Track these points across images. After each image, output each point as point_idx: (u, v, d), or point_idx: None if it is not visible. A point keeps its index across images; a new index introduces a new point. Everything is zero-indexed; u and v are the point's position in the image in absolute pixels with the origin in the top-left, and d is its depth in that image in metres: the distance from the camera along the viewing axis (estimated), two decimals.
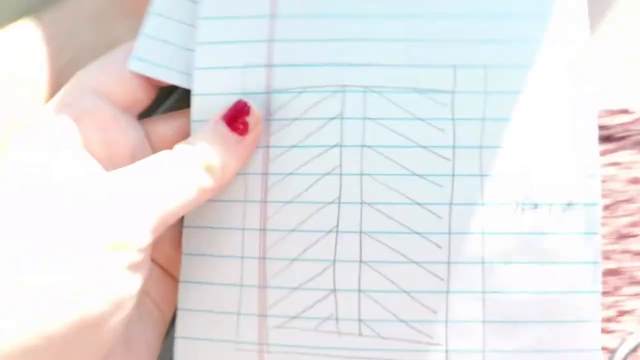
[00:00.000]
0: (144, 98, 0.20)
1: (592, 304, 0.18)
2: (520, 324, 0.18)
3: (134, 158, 0.18)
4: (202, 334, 0.19)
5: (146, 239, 0.16)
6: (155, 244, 0.17)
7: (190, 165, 0.17)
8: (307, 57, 0.19)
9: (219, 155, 0.17)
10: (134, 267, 0.15)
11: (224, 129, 0.18)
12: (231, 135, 0.18)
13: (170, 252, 0.20)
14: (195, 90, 0.19)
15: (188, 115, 0.20)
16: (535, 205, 0.18)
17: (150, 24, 0.20)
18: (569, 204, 0.18)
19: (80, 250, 0.15)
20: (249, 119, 0.18)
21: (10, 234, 0.15)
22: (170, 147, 0.18)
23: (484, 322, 0.18)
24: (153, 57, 0.19)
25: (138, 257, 0.15)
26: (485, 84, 0.19)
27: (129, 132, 0.19)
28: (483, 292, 0.18)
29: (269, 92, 0.19)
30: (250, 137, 0.18)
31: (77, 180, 0.16)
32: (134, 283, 0.16)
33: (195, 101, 0.19)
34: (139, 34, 0.19)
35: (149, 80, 0.19)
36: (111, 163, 0.18)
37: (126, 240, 0.15)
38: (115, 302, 0.15)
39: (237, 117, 0.18)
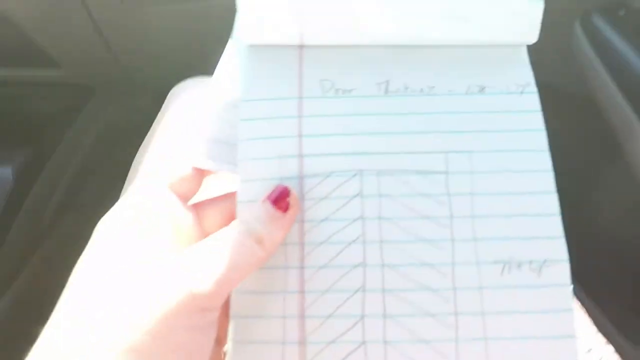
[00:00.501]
0: (196, 188, 0.24)
1: (571, 348, 0.21)
2: None
3: (190, 239, 0.22)
4: None
5: (219, 301, 0.20)
6: None
7: (246, 240, 0.21)
8: (330, 148, 0.24)
9: (268, 229, 0.21)
10: (212, 325, 0.20)
11: (271, 207, 0.22)
12: (276, 212, 0.22)
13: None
14: (242, 177, 0.23)
15: (230, 200, 0.24)
16: (519, 264, 0.22)
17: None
18: (545, 261, 0.22)
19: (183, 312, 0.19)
20: (290, 199, 0.22)
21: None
22: (218, 227, 0.22)
23: None
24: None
25: (213, 316, 0.20)
26: (471, 165, 0.23)
27: (188, 218, 0.23)
28: (485, 339, 0.21)
29: (301, 177, 0.23)
30: (290, 213, 0.22)
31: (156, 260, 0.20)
32: (211, 338, 0.20)
33: (242, 186, 0.23)
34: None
35: (201, 172, 0.24)
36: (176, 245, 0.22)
37: (210, 304, 0.19)
38: (198, 354, 0.19)
39: (281, 198, 0.22)
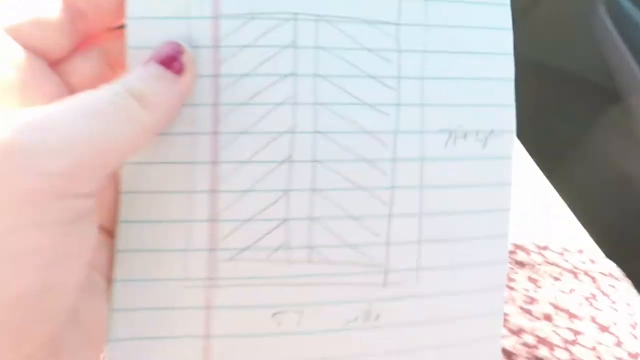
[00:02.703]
0: (65, 44, 0.17)
1: (504, 221, 0.20)
2: (448, 242, 0.20)
3: None
4: (144, 275, 0.18)
5: (88, 183, 0.14)
6: (98, 204, 0.15)
7: (124, 100, 0.15)
8: None
9: (153, 88, 0.16)
10: (83, 217, 0.14)
11: (159, 68, 0.16)
12: (165, 72, 0.16)
13: (114, 213, 0.18)
14: (132, 13, 0.17)
15: (108, 52, 0.18)
16: (465, 134, 0.20)
17: None
18: (491, 132, 0.20)
19: (25, 202, 0.13)
20: (184, 59, 0.17)
21: None
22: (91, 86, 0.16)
23: (419, 242, 0.20)
24: None
25: (85, 205, 0.14)
26: (427, 17, 0.19)
27: (47, 81, 0.17)
28: (420, 215, 0.20)
29: (216, 17, 0.18)
30: (185, 77, 0.17)
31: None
32: (87, 236, 0.14)
33: (131, 25, 0.17)
34: None
35: (72, 22, 0.17)
36: None
37: (71, 188, 0.14)
38: (68, 255, 0.14)
39: (170, 58, 0.16)
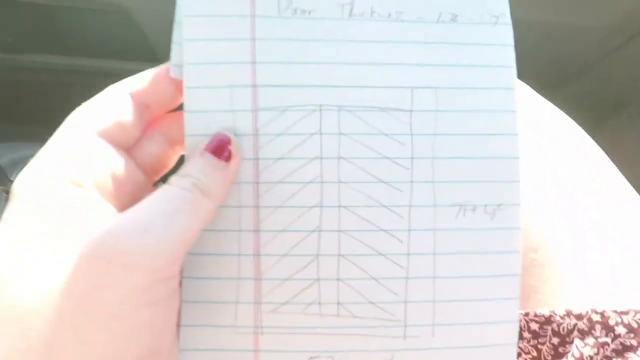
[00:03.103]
0: (135, 133, 0.21)
1: (513, 285, 0.22)
2: (461, 302, 0.22)
3: (134, 190, 0.20)
4: (204, 322, 0.22)
5: (176, 268, 0.18)
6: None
7: (192, 195, 0.19)
8: (288, 78, 0.22)
9: (212, 180, 0.20)
10: (175, 292, 0.19)
11: (212, 157, 0.20)
12: (218, 162, 0.20)
13: None
14: (187, 107, 0.21)
15: (168, 134, 0.22)
16: (474, 207, 0.22)
17: (178, 33, 0.22)
18: (499, 205, 0.22)
19: (141, 289, 0.17)
20: (231, 147, 0.21)
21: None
22: (158, 165, 0.20)
23: (434, 301, 0.22)
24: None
25: (176, 282, 0.18)
26: (437, 103, 0.22)
27: (127, 167, 0.21)
28: (434, 278, 0.22)
29: (255, 110, 0.22)
30: (233, 162, 0.21)
31: (100, 229, 0.17)
32: (177, 305, 0.19)
33: (188, 118, 0.21)
34: (172, 43, 0.22)
35: (140, 116, 0.21)
36: (117, 199, 0.20)
37: (167, 273, 0.18)
38: (169, 323, 0.18)
39: (220, 147, 0.20)
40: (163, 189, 0.19)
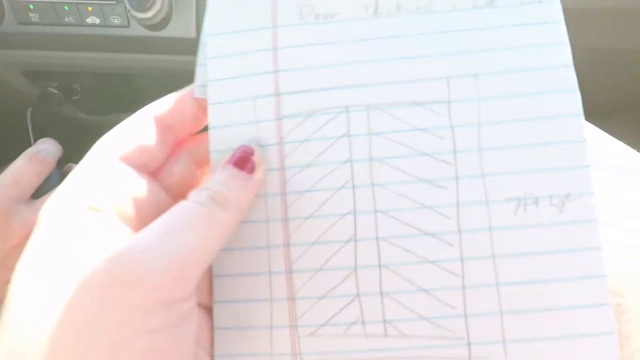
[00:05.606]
0: (161, 155, 0.21)
1: (599, 289, 0.19)
2: (535, 312, 0.19)
3: (159, 213, 0.19)
4: (238, 350, 0.20)
5: (188, 288, 0.17)
6: (201, 287, 0.18)
7: (206, 209, 0.18)
8: (311, 83, 0.21)
9: (231, 190, 0.19)
10: (186, 318, 0.17)
11: (234, 169, 0.19)
12: (240, 173, 0.19)
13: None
14: (212, 123, 0.21)
15: (194, 154, 0.22)
16: (536, 200, 0.19)
17: (202, 54, 0.22)
18: (568, 195, 0.19)
19: (139, 315, 0.16)
20: (255, 159, 0.20)
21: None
22: (185, 186, 0.20)
23: (501, 313, 0.19)
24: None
25: (186, 306, 0.17)
26: (478, 91, 0.20)
27: (150, 190, 0.20)
28: (497, 285, 0.19)
29: (279, 119, 0.21)
30: (257, 174, 0.20)
31: (116, 248, 0.16)
32: (190, 333, 0.17)
33: (212, 134, 0.21)
34: (197, 65, 0.22)
35: (165, 139, 0.21)
36: (140, 223, 0.19)
37: (174, 295, 0.16)
38: (175, 352, 0.16)
39: (244, 159, 0.19)
40: (178, 204, 0.18)
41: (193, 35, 0.39)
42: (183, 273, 0.17)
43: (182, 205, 0.18)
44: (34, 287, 0.16)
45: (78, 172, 0.19)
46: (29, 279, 0.16)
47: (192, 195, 0.18)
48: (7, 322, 0.16)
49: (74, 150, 0.42)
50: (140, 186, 0.20)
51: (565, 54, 0.20)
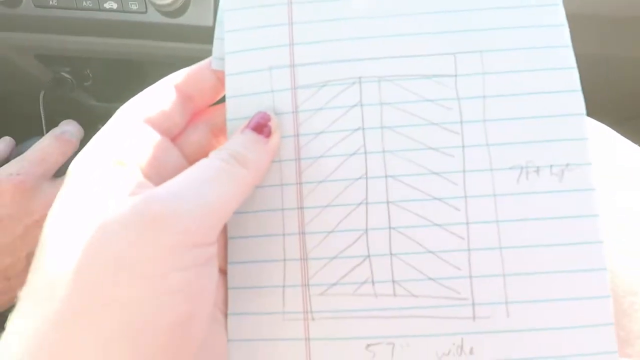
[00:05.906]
0: (181, 122, 0.22)
1: (596, 254, 0.20)
2: (536, 274, 0.20)
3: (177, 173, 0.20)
4: (251, 309, 0.21)
5: (213, 234, 0.18)
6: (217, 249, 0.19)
7: (230, 166, 0.19)
8: (325, 55, 0.22)
9: (251, 152, 0.20)
10: (210, 260, 0.18)
11: (252, 133, 0.20)
12: (258, 137, 0.20)
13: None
14: (229, 93, 0.22)
15: (210, 122, 0.23)
16: (538, 169, 0.20)
17: (220, 29, 0.23)
18: (567, 165, 0.20)
19: (172, 253, 0.17)
20: (271, 124, 0.21)
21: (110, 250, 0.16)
22: (201, 154, 0.20)
23: (504, 275, 0.20)
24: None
25: (210, 250, 0.18)
26: (483, 66, 0.21)
27: (171, 153, 0.21)
28: (500, 248, 0.20)
29: (294, 89, 0.22)
30: (273, 138, 0.21)
31: (136, 201, 0.17)
32: (213, 275, 0.18)
33: (229, 103, 0.22)
34: (214, 39, 0.23)
35: (184, 107, 0.22)
36: (158, 182, 0.20)
37: (201, 239, 0.18)
38: (202, 291, 0.18)
39: (261, 124, 0.21)
40: (201, 161, 0.19)
41: (210, 23, 0.40)
42: (209, 219, 0.18)
43: (205, 161, 0.19)
44: (65, 228, 0.17)
45: (105, 131, 0.20)
46: (61, 221, 0.17)
47: (213, 153, 0.20)
48: (40, 261, 0.17)
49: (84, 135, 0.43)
50: (162, 148, 0.21)
51: (564, 36, 0.21)
